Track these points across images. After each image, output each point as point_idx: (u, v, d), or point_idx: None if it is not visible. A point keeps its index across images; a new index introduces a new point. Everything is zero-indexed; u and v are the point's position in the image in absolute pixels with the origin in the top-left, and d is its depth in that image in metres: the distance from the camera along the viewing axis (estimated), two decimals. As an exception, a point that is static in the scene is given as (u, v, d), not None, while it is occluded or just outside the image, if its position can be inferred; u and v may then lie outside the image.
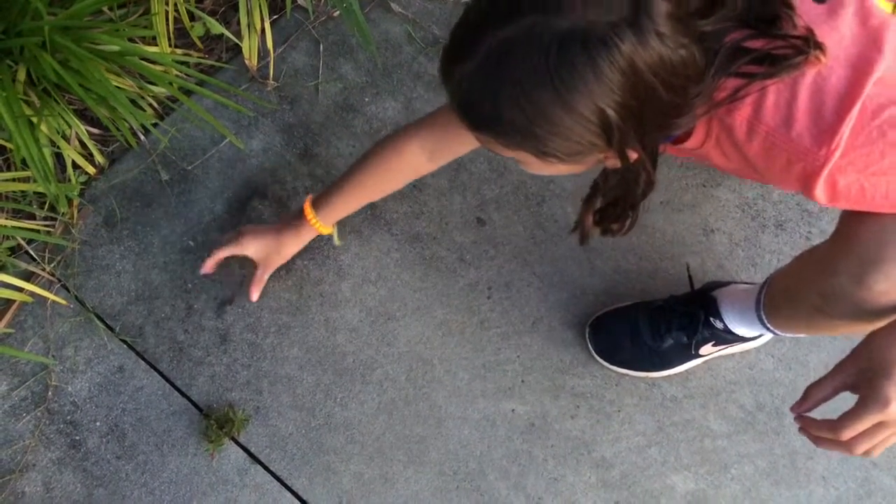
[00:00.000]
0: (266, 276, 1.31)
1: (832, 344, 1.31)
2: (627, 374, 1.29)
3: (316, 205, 1.24)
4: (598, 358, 1.29)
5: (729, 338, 1.21)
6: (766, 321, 1.08)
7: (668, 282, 1.33)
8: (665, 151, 0.94)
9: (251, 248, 1.28)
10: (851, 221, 0.86)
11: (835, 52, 0.78)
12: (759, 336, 1.24)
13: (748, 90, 0.78)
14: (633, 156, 0.79)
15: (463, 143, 1.14)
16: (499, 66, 0.71)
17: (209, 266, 1.29)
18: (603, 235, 0.96)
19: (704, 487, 1.25)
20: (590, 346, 1.29)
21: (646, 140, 0.77)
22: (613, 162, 0.80)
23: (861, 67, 0.77)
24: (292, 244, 1.29)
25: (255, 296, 1.31)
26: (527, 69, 0.70)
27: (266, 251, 1.28)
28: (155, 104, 1.45)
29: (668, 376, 1.29)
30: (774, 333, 1.11)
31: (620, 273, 1.35)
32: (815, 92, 0.78)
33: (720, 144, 0.87)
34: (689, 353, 1.25)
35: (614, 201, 0.91)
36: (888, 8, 0.82)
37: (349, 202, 1.24)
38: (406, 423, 1.29)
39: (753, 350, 1.31)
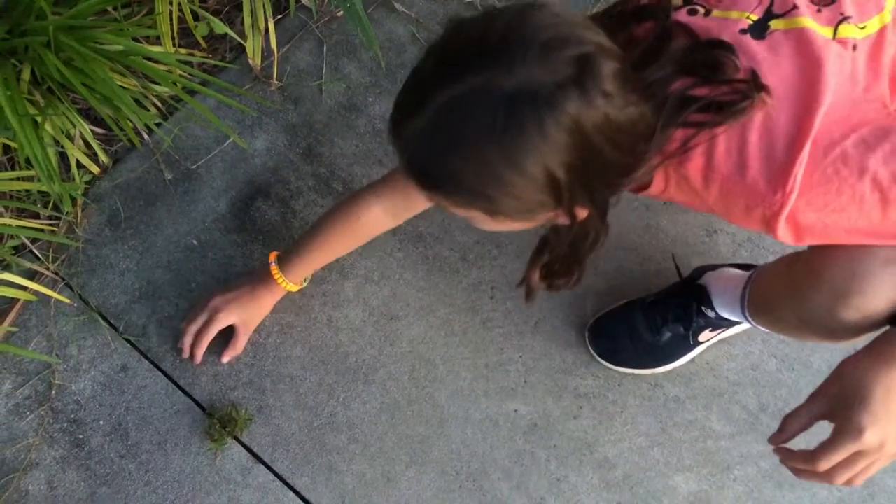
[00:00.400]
0: (245, 339, 1.30)
1: (836, 345, 1.31)
2: (632, 373, 1.29)
3: (282, 263, 1.25)
4: (601, 361, 1.29)
5: (724, 323, 1.22)
6: (750, 320, 1.09)
7: (670, 282, 1.33)
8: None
9: (232, 317, 1.27)
10: (822, 246, 0.86)
11: (780, 90, 0.78)
12: None
13: (697, 140, 0.79)
14: (583, 213, 0.79)
15: (425, 201, 1.14)
16: (447, 126, 0.70)
17: (199, 357, 1.29)
18: (548, 290, 0.96)
19: (707, 488, 1.25)
20: (591, 349, 1.29)
21: (595, 197, 0.77)
22: (564, 219, 0.80)
23: (807, 103, 0.77)
24: (268, 300, 1.30)
25: (226, 359, 1.30)
26: (475, 128, 0.69)
27: (247, 314, 1.28)
28: (159, 104, 1.45)
29: (674, 369, 1.29)
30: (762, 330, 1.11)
31: (623, 273, 1.35)
32: (765, 134, 0.78)
33: (681, 190, 0.87)
34: (688, 343, 1.25)
35: (561, 258, 0.91)
36: (827, 34, 0.82)
37: (314, 262, 1.25)
38: (408, 423, 1.29)
39: (757, 351, 1.31)
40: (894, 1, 0.86)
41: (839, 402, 0.80)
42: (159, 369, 1.32)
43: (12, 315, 1.33)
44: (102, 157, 1.42)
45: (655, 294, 1.27)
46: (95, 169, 1.41)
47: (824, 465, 0.80)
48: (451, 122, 0.70)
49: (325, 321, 1.34)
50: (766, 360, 1.31)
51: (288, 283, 1.25)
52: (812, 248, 0.89)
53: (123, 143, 1.45)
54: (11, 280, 1.23)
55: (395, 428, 1.29)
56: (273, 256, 1.26)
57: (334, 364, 1.32)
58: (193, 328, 1.27)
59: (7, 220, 1.26)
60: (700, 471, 1.26)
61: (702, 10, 0.85)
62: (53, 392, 1.31)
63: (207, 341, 1.27)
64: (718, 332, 1.26)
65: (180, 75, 1.40)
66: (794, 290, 0.90)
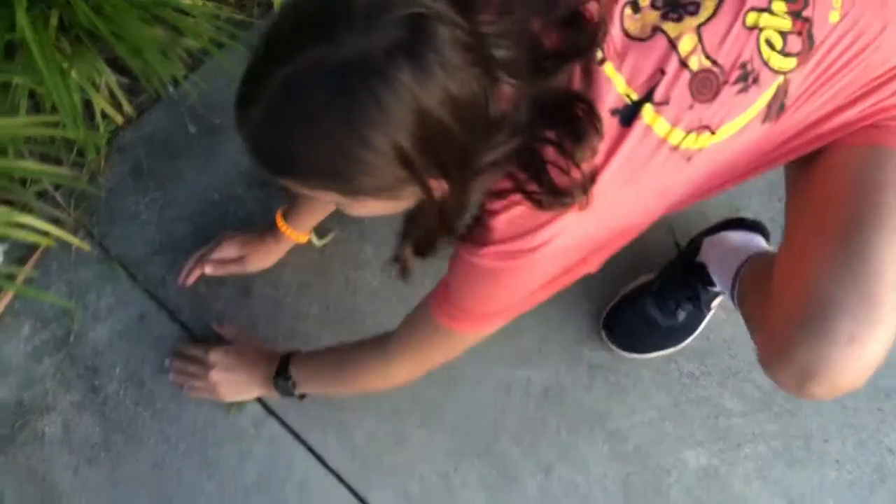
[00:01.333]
0: (236, 270, 1.31)
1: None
2: (659, 356, 1.29)
3: (287, 214, 1.27)
4: (623, 353, 1.29)
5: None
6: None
7: (671, 253, 1.32)
8: None
9: (234, 248, 1.30)
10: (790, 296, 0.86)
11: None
12: None
13: (512, 198, 0.80)
14: (443, 187, 0.75)
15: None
16: (284, 108, 0.67)
17: (190, 279, 1.32)
18: (423, 259, 0.94)
19: (717, 464, 1.25)
20: (611, 345, 1.29)
21: (451, 173, 0.73)
22: (423, 194, 0.76)
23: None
24: (273, 248, 1.31)
25: (209, 270, 1.31)
26: (312, 106, 0.66)
27: (248, 250, 1.30)
28: (185, 56, 1.45)
29: (694, 339, 1.29)
30: None
31: (647, 245, 1.34)
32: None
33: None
34: (702, 313, 1.27)
35: (433, 230, 0.87)
36: (675, 138, 0.81)
37: (315, 212, 1.27)
38: (421, 384, 1.28)
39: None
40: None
41: None
42: (177, 320, 1.33)
43: (33, 260, 1.34)
44: (127, 108, 1.42)
45: (660, 278, 1.27)
46: (119, 119, 1.42)
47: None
48: (287, 103, 0.67)
49: (343, 282, 1.35)
50: (783, 341, 1.30)
51: (292, 230, 1.27)
52: (779, 274, 0.90)
53: (148, 95, 1.45)
54: (34, 224, 1.24)
55: (408, 388, 1.28)
56: (280, 212, 1.28)
57: (350, 325, 1.33)
58: (197, 253, 1.31)
59: (31, 165, 1.27)
60: (711, 447, 1.26)
61: (599, 56, 0.80)
62: (72, 338, 1.32)
63: (205, 266, 1.30)
64: (723, 296, 1.26)
65: (208, 28, 1.40)
66: (763, 345, 0.89)
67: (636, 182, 0.82)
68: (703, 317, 1.28)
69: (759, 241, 1.23)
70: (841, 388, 0.82)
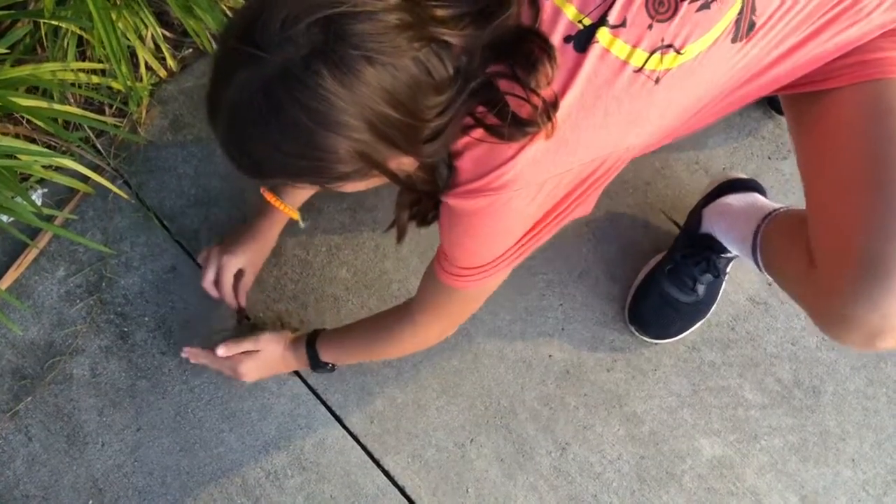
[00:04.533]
0: (252, 277, 1.30)
1: None
2: (692, 333, 1.30)
3: (277, 189, 1.25)
4: (659, 342, 1.29)
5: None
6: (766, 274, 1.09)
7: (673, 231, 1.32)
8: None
9: (239, 260, 1.25)
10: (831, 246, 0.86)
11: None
12: None
13: (474, 135, 0.80)
14: (409, 162, 0.78)
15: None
16: (236, 127, 0.72)
17: (234, 302, 1.29)
18: (420, 226, 0.97)
19: (731, 454, 1.26)
20: (645, 338, 1.29)
21: (409, 149, 0.75)
22: (393, 172, 0.79)
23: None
24: (269, 230, 1.27)
25: (242, 301, 1.30)
26: (255, 122, 0.70)
27: (251, 252, 1.27)
28: (230, 13, 1.45)
29: (712, 335, 1.30)
30: None
31: (648, 231, 1.34)
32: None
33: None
34: (719, 280, 1.28)
35: (423, 195, 0.90)
36: (637, 60, 0.81)
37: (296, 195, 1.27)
38: (443, 355, 1.31)
39: (799, 327, 1.30)
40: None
41: None
42: (207, 274, 1.34)
43: (72, 204, 1.36)
44: (170, 62, 1.43)
45: (669, 257, 1.27)
46: (163, 72, 1.43)
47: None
48: (236, 125, 0.72)
49: (373, 247, 1.36)
50: (807, 337, 1.30)
51: (285, 204, 1.24)
52: (818, 241, 0.89)
53: (192, 50, 1.46)
54: (74, 168, 1.26)
55: (430, 358, 1.30)
56: (264, 189, 1.25)
57: (377, 290, 1.34)
58: (208, 283, 1.26)
59: (75, 110, 1.29)
60: (727, 437, 1.26)
61: None
62: (104, 284, 1.35)
63: (229, 289, 1.26)
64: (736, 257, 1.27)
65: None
66: (820, 313, 0.89)
67: (602, 107, 0.81)
68: (721, 284, 1.29)
69: (759, 199, 1.22)
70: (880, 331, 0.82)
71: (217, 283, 1.26)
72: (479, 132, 0.80)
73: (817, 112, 0.94)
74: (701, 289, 1.26)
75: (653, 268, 1.30)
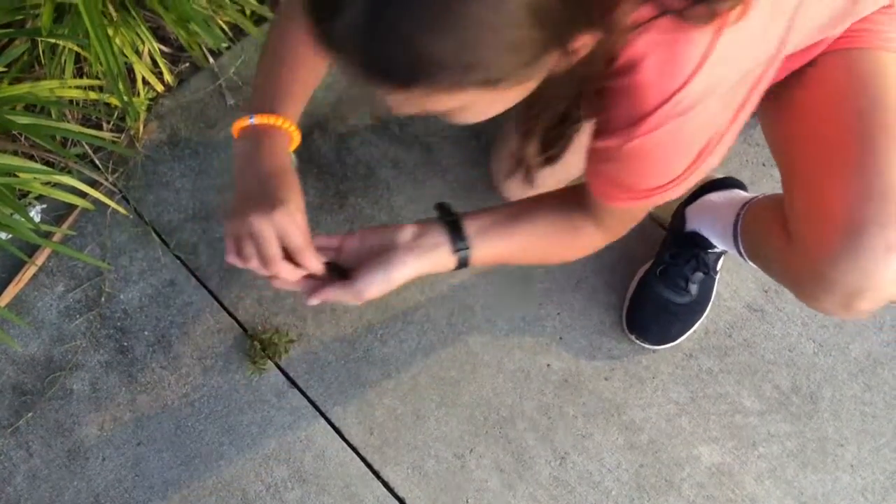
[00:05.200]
0: (303, 220, 0.87)
1: (877, 336, 1.30)
2: (691, 335, 1.31)
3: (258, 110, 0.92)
4: (659, 347, 1.30)
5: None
6: (749, 263, 1.10)
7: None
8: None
9: (268, 223, 0.84)
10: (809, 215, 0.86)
11: None
12: None
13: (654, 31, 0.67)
14: (585, 43, 0.63)
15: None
16: (387, 9, 0.55)
17: (317, 266, 0.88)
18: (543, 166, 0.83)
19: (730, 461, 1.26)
20: (645, 345, 1.30)
21: (594, 16, 0.62)
22: (563, 60, 0.64)
23: None
24: (277, 161, 0.89)
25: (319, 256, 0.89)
26: None
27: (284, 207, 0.85)
28: (227, 29, 1.47)
29: (711, 315, 1.32)
30: None
31: (635, 238, 1.34)
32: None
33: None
34: (711, 278, 1.29)
35: (559, 120, 0.77)
36: None
37: (299, 97, 0.97)
38: (442, 366, 1.31)
39: (796, 333, 1.31)
40: None
41: None
42: (206, 287, 1.35)
43: (70, 220, 1.37)
44: (167, 76, 1.44)
45: (659, 260, 1.29)
46: (160, 87, 1.44)
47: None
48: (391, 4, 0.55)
49: (370, 259, 1.37)
50: (804, 343, 1.31)
51: (284, 118, 0.90)
52: (797, 212, 0.89)
53: (189, 65, 1.47)
54: (73, 185, 1.27)
55: (429, 368, 1.31)
56: (242, 122, 0.90)
57: (375, 301, 1.34)
58: (255, 262, 0.85)
59: (73, 126, 1.29)
60: (725, 444, 1.27)
61: None
62: (103, 299, 1.35)
63: (310, 253, 0.86)
64: (726, 253, 1.29)
65: (249, 2, 1.41)
66: (798, 281, 0.90)
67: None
68: (713, 282, 1.30)
69: (739, 193, 1.24)
70: (889, 297, 0.83)
71: (267, 263, 0.85)
72: (658, 26, 0.66)
73: (793, 85, 0.94)
74: (694, 288, 1.27)
75: (645, 273, 1.31)
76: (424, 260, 0.87)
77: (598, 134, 0.78)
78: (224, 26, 1.46)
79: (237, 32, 1.47)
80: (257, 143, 0.89)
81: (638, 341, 1.30)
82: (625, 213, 0.89)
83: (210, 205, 1.39)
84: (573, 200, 0.92)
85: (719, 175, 1.31)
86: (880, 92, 0.87)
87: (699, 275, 1.27)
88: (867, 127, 0.85)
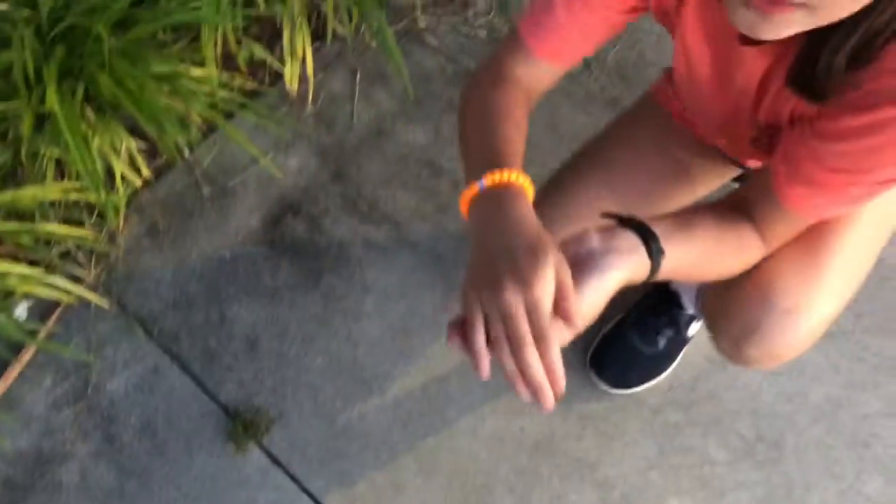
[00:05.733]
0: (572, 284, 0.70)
1: (834, 378, 1.36)
2: (647, 387, 1.36)
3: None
4: (614, 391, 1.35)
5: (701, 315, 1.30)
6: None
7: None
8: None
9: (544, 275, 0.67)
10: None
11: None
12: None
13: None
14: None
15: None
16: None
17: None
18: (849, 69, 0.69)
19: (702, 512, 1.30)
20: (601, 384, 1.35)
21: None
22: None
23: None
24: (533, 219, 0.74)
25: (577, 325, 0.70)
26: None
27: (548, 255, 0.68)
28: (201, 122, 1.55)
29: (674, 369, 1.37)
30: None
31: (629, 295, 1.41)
32: None
33: None
34: (681, 339, 1.34)
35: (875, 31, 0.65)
36: None
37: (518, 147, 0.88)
38: (419, 435, 1.36)
39: (756, 382, 1.37)
40: None
41: None
42: (188, 373, 1.40)
43: (55, 316, 1.43)
44: (145, 171, 1.52)
45: (636, 308, 1.35)
46: (138, 182, 1.51)
47: None
48: None
49: (346, 335, 1.42)
50: (766, 392, 1.36)
51: (525, 175, 0.78)
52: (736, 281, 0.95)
53: (166, 159, 1.54)
54: (56, 283, 1.33)
55: (406, 438, 1.36)
56: (469, 192, 0.78)
57: (352, 375, 1.40)
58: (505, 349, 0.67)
59: (55, 228, 1.36)
60: (696, 494, 1.31)
61: None
62: (89, 390, 1.40)
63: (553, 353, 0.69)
64: (699, 321, 1.34)
65: (221, 98, 1.50)
66: (713, 316, 0.99)
67: None
68: (683, 343, 1.35)
69: None
70: (775, 355, 0.92)
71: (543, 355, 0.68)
72: None
73: None
74: (662, 342, 1.33)
75: (619, 319, 1.37)
76: (629, 263, 0.73)
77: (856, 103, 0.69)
78: (198, 118, 1.54)
79: (209, 128, 1.55)
80: (497, 204, 0.75)
81: (595, 378, 1.35)
82: (798, 221, 0.84)
83: (190, 293, 1.45)
84: (736, 208, 0.86)
85: None
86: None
87: (669, 331, 1.33)
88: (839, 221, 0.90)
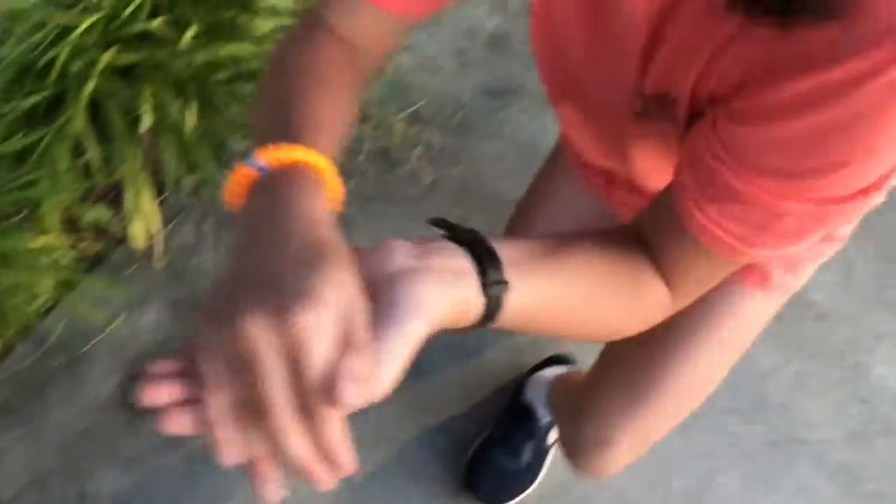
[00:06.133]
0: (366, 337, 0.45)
1: (696, 470, 1.41)
2: (519, 500, 1.37)
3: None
4: None
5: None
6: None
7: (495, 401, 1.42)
8: None
9: (327, 315, 0.41)
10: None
11: None
12: None
13: None
14: None
15: None
16: None
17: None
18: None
19: None
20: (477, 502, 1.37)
21: None
22: None
23: None
24: (332, 231, 0.47)
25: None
26: None
27: (342, 289, 0.43)
28: (49, 289, 1.53)
29: (546, 474, 1.39)
30: None
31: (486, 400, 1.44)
32: None
33: None
34: (543, 448, 1.37)
35: None
36: None
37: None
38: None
39: (623, 480, 1.40)
40: None
41: None
42: (49, 558, 1.34)
43: None
44: (-7, 348, 1.48)
45: (496, 427, 1.39)
46: (-15, 360, 1.47)
47: None
48: None
49: (212, 493, 1.39)
50: (632, 489, 1.40)
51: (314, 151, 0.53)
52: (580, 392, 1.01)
53: (14, 330, 1.51)
54: None
55: None
56: (239, 177, 0.52)
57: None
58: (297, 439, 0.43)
59: None
60: None
61: None
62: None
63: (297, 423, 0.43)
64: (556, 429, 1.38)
65: (67, 265, 1.49)
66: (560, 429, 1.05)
67: None
68: (545, 453, 1.38)
69: (565, 368, 1.40)
70: (598, 473, 0.98)
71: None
72: None
73: None
74: (527, 454, 1.36)
75: (487, 435, 1.40)
76: (446, 295, 0.46)
77: (794, 68, 0.47)
78: (45, 289, 1.52)
79: (58, 293, 1.54)
80: (273, 192, 0.50)
81: (472, 498, 1.36)
82: (717, 261, 0.58)
83: (46, 469, 1.40)
84: (636, 239, 0.62)
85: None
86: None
87: (531, 443, 1.36)
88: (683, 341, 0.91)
